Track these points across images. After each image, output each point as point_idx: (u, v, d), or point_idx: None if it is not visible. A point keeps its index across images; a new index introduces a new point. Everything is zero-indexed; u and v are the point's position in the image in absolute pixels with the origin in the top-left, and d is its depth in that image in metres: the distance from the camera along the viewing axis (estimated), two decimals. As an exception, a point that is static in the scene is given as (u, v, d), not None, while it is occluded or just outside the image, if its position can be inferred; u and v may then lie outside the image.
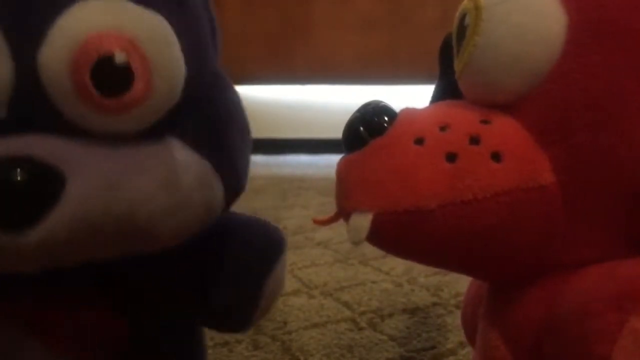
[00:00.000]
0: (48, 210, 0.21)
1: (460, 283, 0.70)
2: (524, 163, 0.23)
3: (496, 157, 0.23)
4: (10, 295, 0.27)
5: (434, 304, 0.64)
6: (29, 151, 0.22)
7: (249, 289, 0.33)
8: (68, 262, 0.24)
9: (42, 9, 0.23)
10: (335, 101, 2.39)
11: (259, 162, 2.18)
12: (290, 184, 1.61)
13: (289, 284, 0.72)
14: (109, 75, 0.23)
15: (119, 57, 0.23)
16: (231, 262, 0.32)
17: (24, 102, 0.23)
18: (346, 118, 0.27)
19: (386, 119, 0.25)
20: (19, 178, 0.21)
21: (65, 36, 0.22)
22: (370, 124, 0.25)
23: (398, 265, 0.79)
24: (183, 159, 0.26)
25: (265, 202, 1.33)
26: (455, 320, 0.59)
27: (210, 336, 0.56)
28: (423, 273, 0.75)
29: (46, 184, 0.22)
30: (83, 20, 0.22)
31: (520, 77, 0.24)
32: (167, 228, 0.25)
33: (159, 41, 0.24)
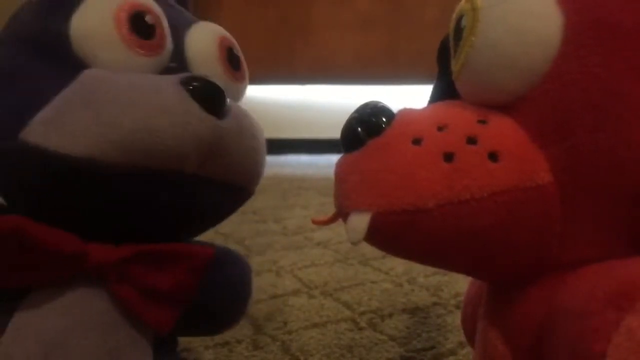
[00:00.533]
0: (227, 113, 0.31)
1: (460, 283, 0.70)
2: (522, 163, 0.23)
3: (493, 157, 0.23)
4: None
5: (434, 304, 0.64)
6: None
7: (243, 291, 0.40)
8: (212, 171, 0.31)
9: None
10: (335, 101, 2.39)
11: (259, 162, 2.18)
12: (290, 184, 1.61)
13: (289, 284, 0.72)
14: (233, 57, 0.36)
15: (235, 50, 0.37)
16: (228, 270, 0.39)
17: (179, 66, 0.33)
18: (346, 118, 0.27)
19: (384, 119, 0.25)
20: (220, 86, 0.30)
21: (208, 32, 0.36)
22: (368, 124, 0.25)
23: (398, 265, 0.79)
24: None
25: (265, 202, 1.33)
26: (455, 320, 0.59)
27: (210, 336, 0.56)
28: (423, 273, 0.75)
29: (226, 96, 0.31)
30: (214, 27, 0.37)
31: (517, 77, 0.24)
32: (263, 162, 0.35)
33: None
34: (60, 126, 0.27)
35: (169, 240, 0.32)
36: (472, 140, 0.24)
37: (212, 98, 0.30)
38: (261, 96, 2.49)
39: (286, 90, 2.50)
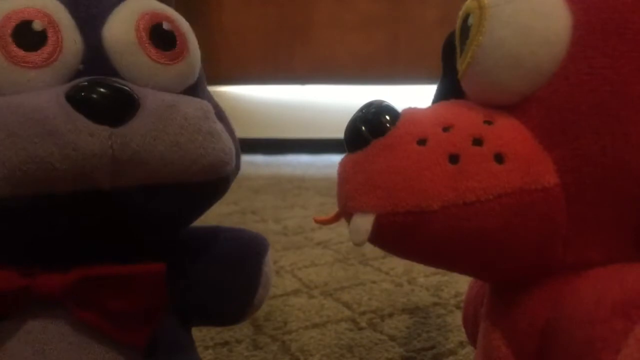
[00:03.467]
0: (133, 113, 0.27)
1: (461, 283, 0.70)
2: (527, 164, 0.23)
3: (499, 158, 0.23)
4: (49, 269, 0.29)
5: (434, 304, 0.64)
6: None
7: (247, 278, 0.37)
8: (133, 179, 0.28)
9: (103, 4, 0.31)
10: (335, 101, 2.39)
11: (259, 162, 2.18)
12: (290, 184, 1.61)
13: (289, 284, 0.72)
14: (161, 35, 0.31)
15: (166, 25, 0.32)
16: (226, 256, 0.37)
17: (91, 66, 0.30)
18: (346, 118, 0.27)
19: (388, 119, 0.25)
20: (119, 86, 0.27)
21: (128, 14, 0.31)
22: (372, 124, 0.25)
23: (398, 265, 0.79)
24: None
25: (265, 202, 1.33)
26: (455, 320, 0.59)
27: (211, 336, 0.56)
28: (423, 273, 0.75)
29: (132, 95, 0.27)
30: (138, 4, 0.32)
31: (524, 77, 0.23)
32: (213, 151, 0.30)
33: (184, 21, 0.33)
34: None
35: (142, 251, 0.31)
36: (477, 141, 0.23)
37: (101, 106, 0.26)
38: (261, 96, 2.49)
39: (286, 90, 2.50)
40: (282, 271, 0.77)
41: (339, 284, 0.72)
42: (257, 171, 1.89)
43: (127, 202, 0.29)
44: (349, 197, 0.25)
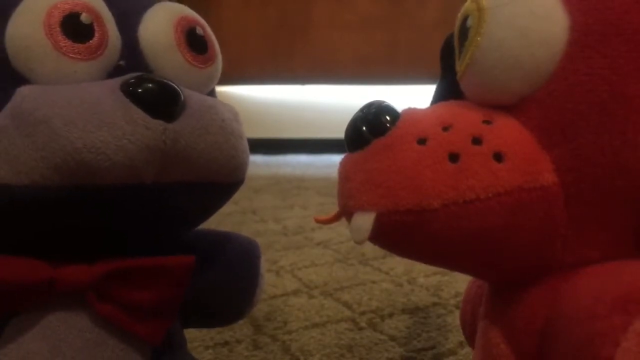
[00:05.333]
0: (181, 112, 0.28)
1: (460, 283, 0.70)
2: (526, 163, 0.23)
3: (498, 157, 0.23)
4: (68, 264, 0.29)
5: (434, 304, 0.64)
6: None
7: (248, 280, 0.38)
8: (175, 175, 0.29)
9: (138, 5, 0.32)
10: (335, 101, 2.39)
11: (259, 162, 2.18)
12: (290, 184, 1.61)
13: (289, 284, 0.72)
14: (195, 39, 0.33)
15: (199, 30, 0.33)
16: (230, 261, 0.38)
17: (129, 63, 0.30)
18: (346, 118, 0.27)
19: (389, 118, 0.25)
20: (170, 83, 0.28)
21: (166, 16, 0.32)
22: (372, 123, 0.25)
23: (398, 265, 0.79)
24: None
25: (265, 202, 1.33)
26: (455, 320, 0.59)
27: (211, 336, 0.56)
28: (423, 273, 0.75)
29: (179, 92, 0.28)
30: (173, 7, 0.33)
31: (523, 78, 0.24)
32: (242, 152, 0.32)
33: (211, 30, 0.34)
34: None
35: (156, 246, 0.31)
36: (477, 141, 0.23)
37: (157, 101, 0.27)
38: (261, 96, 2.49)
39: (286, 90, 2.50)
40: (282, 271, 0.78)
41: (339, 284, 0.72)
42: (257, 171, 1.89)
43: (164, 197, 0.29)
44: (350, 196, 0.25)
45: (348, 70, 2.42)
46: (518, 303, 0.26)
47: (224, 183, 0.32)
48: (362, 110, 0.26)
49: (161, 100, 0.27)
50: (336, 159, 0.27)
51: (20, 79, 0.27)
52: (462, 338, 0.54)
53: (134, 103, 0.26)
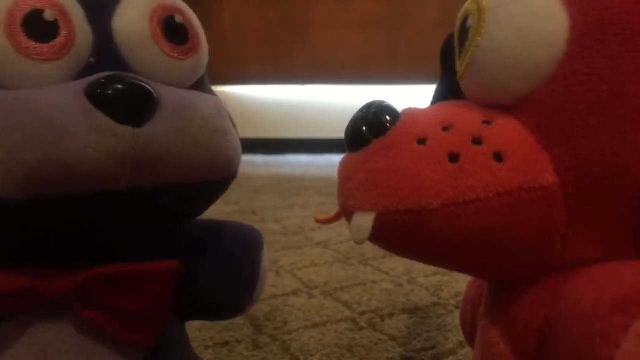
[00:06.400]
0: (154, 113, 0.27)
1: (460, 283, 0.70)
2: (526, 163, 0.23)
3: (498, 157, 0.23)
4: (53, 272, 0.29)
5: (434, 304, 0.64)
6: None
7: (248, 272, 0.36)
8: (150, 179, 0.27)
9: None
10: (335, 101, 2.39)
11: (259, 162, 2.18)
12: (290, 184, 1.61)
13: (289, 284, 0.72)
14: (174, 28, 0.30)
15: (178, 18, 0.31)
16: (227, 254, 0.36)
17: (102, 59, 0.29)
18: (346, 118, 0.27)
19: (389, 118, 0.25)
20: (140, 84, 0.26)
21: (141, 5, 0.30)
22: (373, 123, 0.25)
23: (398, 265, 0.79)
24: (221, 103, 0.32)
25: (265, 202, 1.33)
26: (455, 320, 0.59)
27: (211, 336, 0.56)
28: (423, 273, 0.75)
29: (153, 93, 0.27)
30: None
31: (522, 78, 0.24)
32: (227, 149, 0.30)
33: (193, 13, 0.32)
34: None
35: (149, 243, 0.31)
36: (477, 141, 0.24)
37: (125, 104, 0.25)
38: (261, 96, 2.49)
39: (286, 90, 2.50)
40: (282, 271, 0.78)
41: (339, 284, 0.72)
42: (257, 171, 1.89)
43: (142, 201, 0.28)
44: (350, 196, 0.25)
45: (348, 70, 2.42)
46: (518, 303, 0.26)
47: (211, 181, 0.30)
48: (362, 110, 0.26)
49: (129, 104, 0.26)
50: (336, 159, 0.27)
51: None
52: (462, 338, 0.54)
53: (98, 108, 0.25)
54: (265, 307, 0.64)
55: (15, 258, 0.28)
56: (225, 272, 0.36)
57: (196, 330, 0.56)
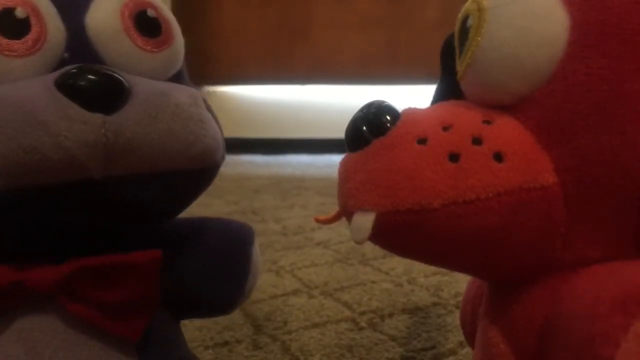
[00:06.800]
0: (126, 101, 0.27)
1: (460, 283, 0.70)
2: (526, 164, 0.23)
3: (498, 157, 0.23)
4: (38, 264, 0.29)
5: (434, 304, 0.64)
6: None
7: (237, 267, 0.37)
8: (125, 168, 0.27)
9: None
10: (335, 101, 2.40)
11: (259, 162, 2.18)
12: (290, 184, 1.61)
13: (289, 284, 0.72)
14: (146, 22, 0.31)
15: (150, 12, 0.31)
16: (216, 249, 0.36)
17: (75, 54, 0.29)
18: (346, 118, 0.27)
19: (389, 118, 0.25)
20: (110, 73, 0.27)
21: (112, 1, 0.31)
22: (373, 123, 0.25)
23: (398, 265, 0.79)
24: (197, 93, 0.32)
25: (265, 202, 1.33)
26: (455, 320, 0.59)
27: (210, 336, 0.56)
28: (423, 273, 0.75)
29: (124, 82, 0.27)
30: None
31: (523, 78, 0.24)
32: (204, 138, 0.30)
33: (167, 8, 0.33)
34: None
35: (133, 239, 0.31)
36: (477, 141, 0.24)
37: (94, 93, 0.26)
38: (261, 96, 2.49)
39: (286, 90, 2.50)
40: (282, 271, 0.78)
41: (339, 284, 0.72)
42: (257, 171, 1.89)
43: (118, 191, 0.28)
44: (350, 195, 0.25)
45: (348, 70, 2.42)
46: (518, 303, 0.26)
47: (189, 170, 0.30)
48: (362, 110, 0.26)
49: (99, 92, 0.26)
50: (336, 159, 0.27)
51: None
52: (462, 338, 0.54)
53: (69, 97, 0.25)
54: (265, 307, 0.64)
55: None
56: (210, 266, 0.35)
57: (196, 330, 0.56)
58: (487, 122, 0.24)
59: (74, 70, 0.26)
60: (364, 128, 0.25)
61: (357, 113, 0.26)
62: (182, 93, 0.30)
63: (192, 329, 0.56)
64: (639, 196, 0.22)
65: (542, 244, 0.24)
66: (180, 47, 0.33)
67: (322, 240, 0.94)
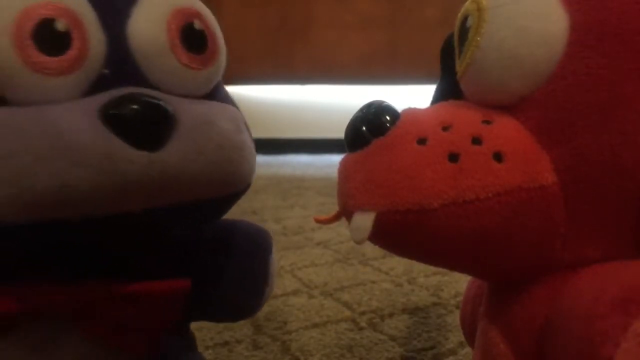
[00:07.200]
0: (171, 135, 0.25)
1: (460, 283, 0.70)
2: (526, 163, 0.23)
3: (498, 157, 0.23)
4: (49, 283, 0.28)
5: (434, 304, 0.64)
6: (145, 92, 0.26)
7: (261, 270, 0.36)
8: (166, 200, 0.26)
9: None
10: (335, 101, 2.39)
11: (259, 162, 2.17)
12: (290, 184, 1.61)
13: (289, 284, 0.72)
14: (193, 36, 0.29)
15: (197, 24, 0.29)
16: (239, 254, 0.35)
17: (115, 69, 0.27)
18: (346, 118, 0.27)
19: (388, 118, 0.25)
20: (157, 103, 0.25)
21: (158, 10, 0.28)
22: (372, 123, 0.25)
23: (398, 265, 0.79)
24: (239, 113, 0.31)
25: (265, 202, 1.33)
26: (455, 320, 0.59)
27: (210, 336, 0.56)
28: (423, 273, 0.75)
29: (171, 114, 0.25)
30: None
31: (522, 78, 0.24)
32: (243, 165, 0.29)
33: (211, 15, 0.31)
34: None
35: (157, 253, 0.30)
36: (477, 141, 0.24)
37: (142, 128, 0.24)
38: (261, 96, 2.49)
39: (286, 90, 2.50)
40: (282, 271, 0.78)
41: (339, 284, 0.72)
42: (257, 171, 1.88)
43: (154, 219, 0.27)
44: (350, 195, 0.25)
45: (348, 70, 2.42)
46: (518, 303, 0.26)
47: (225, 195, 0.29)
48: (362, 110, 0.26)
49: (145, 127, 0.24)
50: (336, 159, 0.27)
51: None
52: (462, 338, 0.54)
53: (114, 133, 0.23)
54: (265, 307, 0.64)
55: (21, 274, 0.27)
56: (238, 274, 0.35)
57: (196, 330, 0.56)
58: (487, 122, 0.24)
59: (119, 100, 0.24)
60: (364, 128, 0.25)
61: (356, 113, 0.26)
62: (225, 117, 0.28)
63: (192, 329, 0.56)
64: (639, 196, 0.22)
65: (541, 243, 0.24)
66: (224, 59, 0.31)
67: (322, 240, 0.94)
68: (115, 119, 0.24)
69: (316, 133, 2.43)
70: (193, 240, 0.34)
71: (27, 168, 0.23)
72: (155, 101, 0.25)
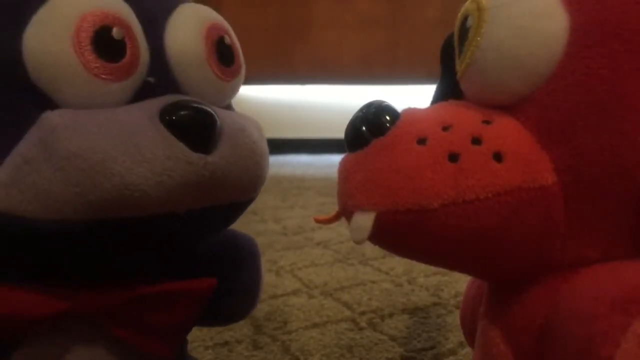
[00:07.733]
0: (219, 139, 0.27)
1: (460, 283, 0.70)
2: (526, 163, 0.23)
3: (498, 157, 0.23)
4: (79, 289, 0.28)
5: (434, 304, 0.64)
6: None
7: (256, 282, 0.37)
8: (208, 202, 0.28)
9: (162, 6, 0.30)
10: (335, 101, 2.40)
11: (259, 162, 2.18)
12: (290, 184, 1.61)
13: (289, 284, 0.72)
14: (224, 50, 0.31)
15: (227, 39, 0.31)
16: (241, 264, 0.37)
17: (157, 77, 0.28)
18: (346, 118, 0.27)
19: (388, 118, 0.25)
20: (208, 110, 0.26)
21: (194, 22, 0.30)
22: (372, 123, 0.25)
23: (398, 265, 0.79)
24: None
25: (265, 202, 1.33)
26: (455, 320, 0.59)
27: (210, 336, 0.56)
28: (423, 273, 0.75)
29: (217, 119, 0.27)
30: (200, 11, 0.31)
31: (522, 78, 0.24)
32: (265, 171, 0.31)
33: (232, 31, 0.33)
34: (25, 189, 0.24)
35: (169, 263, 0.31)
36: (477, 141, 0.24)
37: (197, 132, 0.26)
38: (261, 96, 2.49)
39: (286, 90, 2.50)
40: (282, 271, 0.78)
41: (339, 284, 0.72)
42: (257, 171, 1.88)
43: (188, 223, 0.28)
44: (350, 195, 0.25)
45: (348, 70, 2.42)
46: (517, 303, 0.26)
47: (246, 200, 0.31)
48: (362, 110, 0.26)
49: (202, 132, 0.26)
50: (336, 159, 0.27)
51: (42, 98, 0.25)
52: (462, 338, 0.54)
53: (174, 135, 0.25)
54: (265, 307, 0.64)
55: (53, 275, 0.27)
56: (243, 282, 0.36)
57: (196, 330, 0.56)
58: (487, 122, 0.24)
59: (176, 106, 0.26)
60: (364, 128, 0.25)
61: (356, 113, 0.26)
62: (252, 126, 0.30)
63: (193, 329, 0.56)
64: (639, 196, 0.22)
65: (541, 243, 0.24)
66: (243, 74, 0.33)
67: (322, 240, 0.94)
68: (174, 123, 0.25)
69: (316, 133, 2.43)
70: (201, 250, 0.35)
71: (94, 168, 0.23)
72: (204, 107, 0.26)
